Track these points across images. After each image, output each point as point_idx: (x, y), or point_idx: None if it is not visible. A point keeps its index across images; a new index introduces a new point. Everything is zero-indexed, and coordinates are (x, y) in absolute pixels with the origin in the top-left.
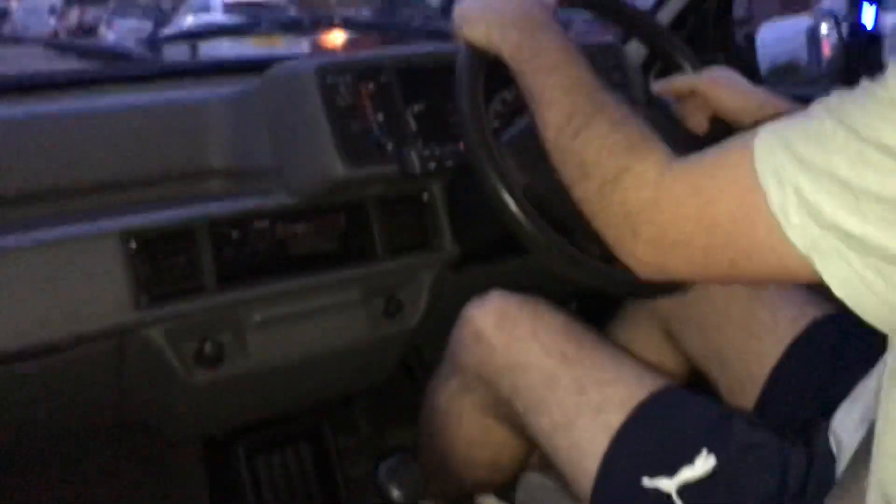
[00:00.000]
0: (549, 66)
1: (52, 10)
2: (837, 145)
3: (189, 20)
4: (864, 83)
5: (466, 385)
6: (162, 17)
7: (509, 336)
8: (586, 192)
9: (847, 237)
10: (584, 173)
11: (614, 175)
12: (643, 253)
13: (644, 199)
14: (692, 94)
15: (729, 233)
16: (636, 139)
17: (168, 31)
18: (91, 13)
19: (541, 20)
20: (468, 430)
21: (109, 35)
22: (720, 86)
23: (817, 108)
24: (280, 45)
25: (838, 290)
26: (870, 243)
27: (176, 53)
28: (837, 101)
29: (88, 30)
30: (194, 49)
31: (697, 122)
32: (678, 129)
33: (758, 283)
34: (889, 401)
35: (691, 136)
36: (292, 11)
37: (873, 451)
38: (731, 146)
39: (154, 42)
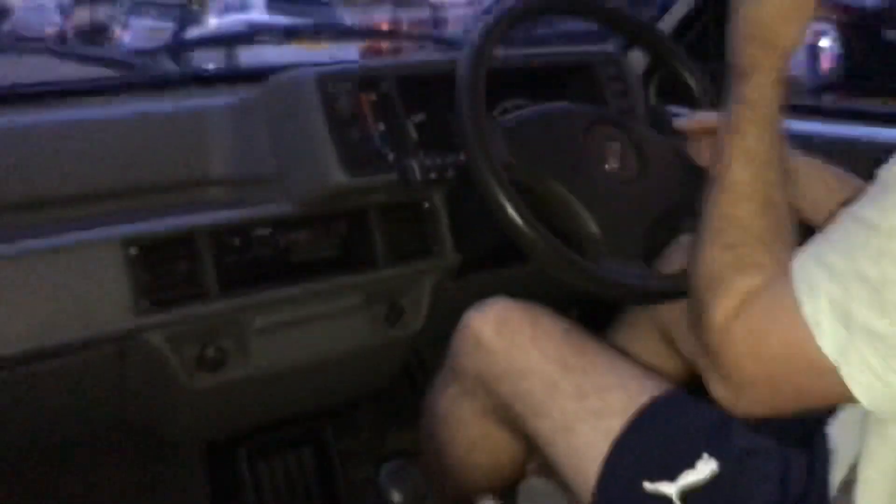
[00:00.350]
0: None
1: (61, 9)
2: (860, 244)
3: (219, 21)
4: (877, 173)
5: (467, 390)
6: (188, 17)
7: (509, 342)
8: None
9: (874, 339)
10: (694, 283)
11: (697, 309)
12: (717, 390)
13: (711, 345)
14: (710, 132)
15: (786, 363)
16: (724, 271)
17: (196, 32)
18: (103, 11)
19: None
20: (468, 435)
21: (125, 37)
22: None
23: (842, 215)
24: (324, 49)
25: (862, 398)
26: (892, 339)
27: (208, 59)
28: (857, 202)
29: (100, 30)
30: (230, 54)
31: (704, 159)
32: (680, 158)
33: (829, 405)
34: (871, 433)
35: (696, 167)
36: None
37: (858, 480)
38: (773, 282)
39: (177, 46)
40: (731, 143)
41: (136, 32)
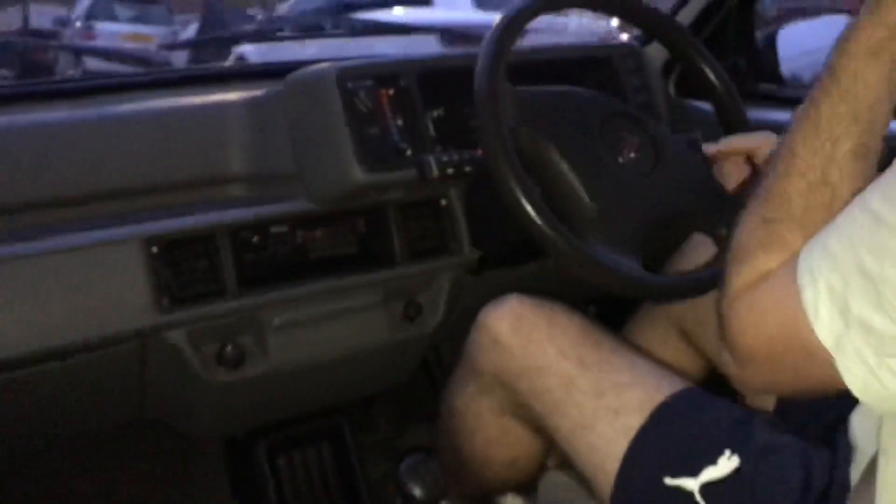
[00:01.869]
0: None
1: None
2: (863, 237)
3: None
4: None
5: (484, 388)
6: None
7: (526, 339)
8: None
9: (869, 333)
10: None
11: (723, 275)
12: (725, 361)
13: (722, 314)
14: (744, 152)
15: (784, 344)
16: (752, 246)
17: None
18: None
19: None
20: (487, 431)
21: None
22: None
23: (855, 201)
24: None
25: (856, 390)
26: (889, 338)
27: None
28: (870, 190)
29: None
30: None
31: (731, 179)
32: (702, 173)
33: (827, 391)
34: (888, 435)
35: (717, 186)
36: None
37: (877, 479)
38: (784, 264)
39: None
40: (800, 113)
41: (105, 39)
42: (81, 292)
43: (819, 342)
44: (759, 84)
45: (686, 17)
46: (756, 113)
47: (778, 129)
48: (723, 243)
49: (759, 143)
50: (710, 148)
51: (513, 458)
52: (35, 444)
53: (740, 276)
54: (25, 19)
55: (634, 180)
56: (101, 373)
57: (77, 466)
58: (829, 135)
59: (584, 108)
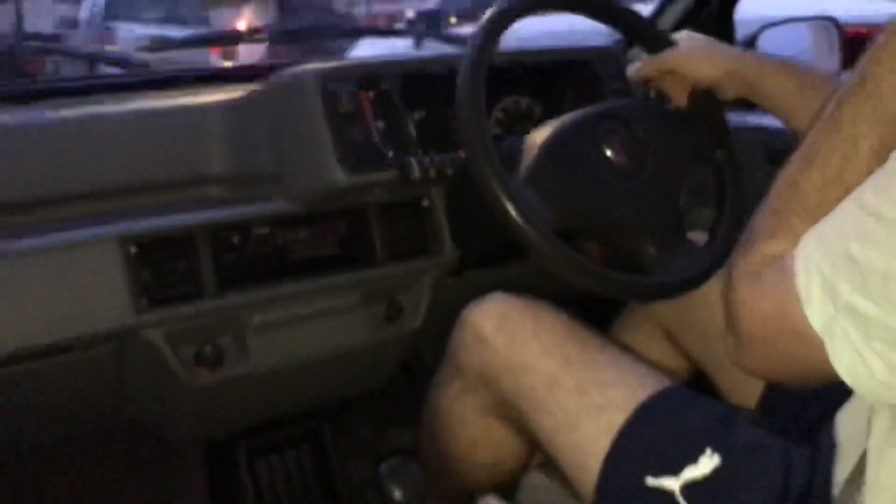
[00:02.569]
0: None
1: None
2: (853, 225)
3: None
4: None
5: (468, 386)
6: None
7: (510, 337)
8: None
9: (857, 318)
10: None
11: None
12: (726, 341)
13: (725, 297)
14: (667, 72)
15: (778, 328)
16: (760, 234)
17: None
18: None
19: None
20: (470, 431)
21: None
22: (688, 60)
23: (854, 191)
24: None
25: (845, 376)
26: (875, 323)
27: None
28: (867, 182)
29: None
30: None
31: (680, 99)
32: (667, 113)
33: (816, 379)
34: (880, 430)
35: (681, 114)
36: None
37: (867, 479)
38: (790, 249)
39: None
40: (825, 110)
41: (125, 44)
42: (59, 292)
43: (810, 326)
44: None
45: (667, 20)
46: (735, 116)
47: (759, 131)
48: (711, 238)
49: (674, 60)
50: (630, 72)
51: (496, 459)
52: (11, 446)
53: (745, 260)
54: (19, 20)
55: (631, 182)
56: (78, 374)
57: (54, 470)
58: (850, 133)
59: (582, 139)
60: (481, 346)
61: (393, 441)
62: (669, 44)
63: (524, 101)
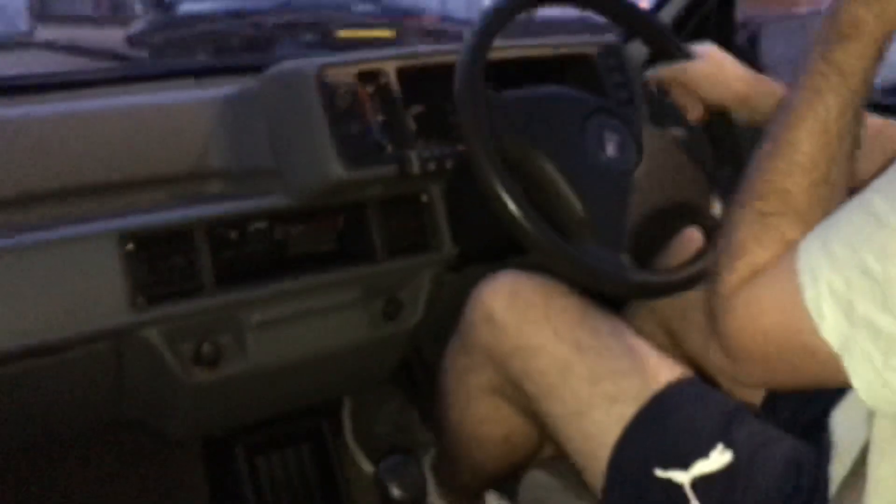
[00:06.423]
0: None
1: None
2: (865, 237)
3: None
4: None
5: (475, 365)
6: None
7: (521, 317)
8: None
9: (876, 334)
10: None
11: (715, 268)
12: (717, 356)
13: (715, 310)
14: (681, 84)
15: (782, 343)
16: (747, 240)
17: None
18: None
19: None
20: (478, 408)
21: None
22: (700, 79)
23: (855, 199)
24: None
25: (863, 394)
26: (894, 338)
27: None
28: (871, 187)
29: None
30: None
31: (693, 112)
32: (680, 153)
33: (824, 387)
34: (882, 428)
35: (697, 163)
36: None
37: (868, 477)
38: (782, 258)
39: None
40: (804, 107)
41: None
42: (55, 290)
43: (823, 342)
44: None
45: (667, 14)
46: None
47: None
48: (710, 236)
49: (688, 76)
50: (653, 74)
51: (505, 434)
52: (10, 445)
53: (734, 272)
54: None
55: (619, 177)
56: (76, 372)
57: (52, 468)
58: (836, 133)
59: (564, 108)
60: (490, 325)
61: (393, 438)
62: (687, 56)
63: None
